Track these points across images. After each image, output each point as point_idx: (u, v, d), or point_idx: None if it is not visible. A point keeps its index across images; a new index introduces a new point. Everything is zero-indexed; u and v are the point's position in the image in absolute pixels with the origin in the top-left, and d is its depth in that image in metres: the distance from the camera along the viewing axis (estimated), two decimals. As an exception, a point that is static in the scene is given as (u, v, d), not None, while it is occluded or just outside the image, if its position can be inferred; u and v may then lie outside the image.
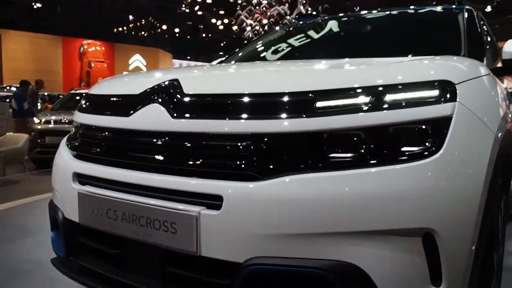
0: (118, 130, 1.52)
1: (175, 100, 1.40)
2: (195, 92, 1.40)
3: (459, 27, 2.26)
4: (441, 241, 1.22)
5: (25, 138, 5.94)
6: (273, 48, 2.84)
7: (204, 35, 26.68)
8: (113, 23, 26.65)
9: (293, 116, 1.24)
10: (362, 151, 1.23)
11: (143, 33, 27.56)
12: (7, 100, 10.50)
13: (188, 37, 27.53)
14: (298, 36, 2.92)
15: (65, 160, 1.67)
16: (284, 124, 1.24)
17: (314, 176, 1.20)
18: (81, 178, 1.58)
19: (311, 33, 2.91)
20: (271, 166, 1.23)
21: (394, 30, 2.60)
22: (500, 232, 1.69)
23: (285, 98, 1.27)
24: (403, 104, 1.27)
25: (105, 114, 1.59)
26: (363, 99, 1.26)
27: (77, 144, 1.69)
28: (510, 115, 1.88)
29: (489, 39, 2.51)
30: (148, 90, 1.49)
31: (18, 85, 9.24)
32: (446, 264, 1.24)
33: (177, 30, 26.33)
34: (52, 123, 6.85)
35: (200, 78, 1.59)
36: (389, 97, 1.27)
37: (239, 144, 1.26)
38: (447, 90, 1.32)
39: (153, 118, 1.42)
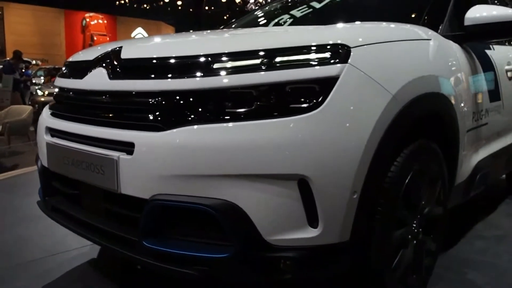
0: (74, 90, 1.81)
1: (113, 64, 1.65)
2: (126, 57, 1.64)
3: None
4: (315, 187, 1.38)
5: (29, 110, 6.29)
6: (265, 19, 3.01)
7: (207, 7, 25.46)
8: (115, -5, 25.65)
9: (192, 76, 1.44)
10: (250, 106, 1.40)
11: (145, 5, 26.65)
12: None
13: (191, 9, 26.19)
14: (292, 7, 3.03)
15: (43, 117, 1.99)
16: (184, 82, 1.44)
17: (206, 126, 1.40)
18: (51, 132, 1.88)
19: (313, 3, 3.01)
20: (173, 119, 1.44)
21: None
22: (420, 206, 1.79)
23: (186, 61, 1.48)
24: (293, 65, 1.43)
25: (69, 77, 1.89)
26: (255, 61, 1.43)
27: (52, 104, 2.01)
28: (449, 82, 1.91)
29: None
30: (99, 56, 1.75)
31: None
32: (321, 208, 1.39)
33: (179, 2, 25.42)
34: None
35: (137, 46, 1.82)
36: (280, 59, 1.43)
37: (149, 100, 1.49)
38: (339, 53, 1.45)
39: (96, 79, 1.68)
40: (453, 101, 1.93)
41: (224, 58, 1.45)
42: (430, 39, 1.92)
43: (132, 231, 1.52)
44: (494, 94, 2.51)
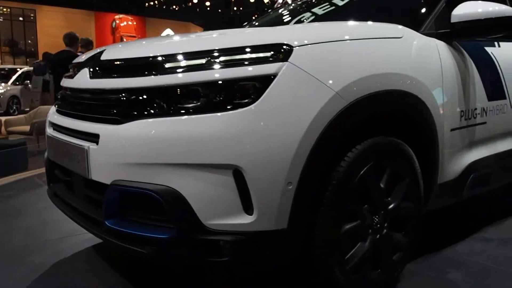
0: (68, 89, 2.05)
1: (94, 65, 1.87)
2: (104, 58, 1.84)
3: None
4: (248, 177, 1.49)
5: None
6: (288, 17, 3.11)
7: (235, 8, 25.42)
8: (145, -4, 25.94)
9: (146, 75, 1.61)
10: (194, 101, 1.54)
11: (174, 7, 26.97)
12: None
13: (220, 10, 26.35)
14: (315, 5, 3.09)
15: (50, 113, 2.26)
16: (138, 80, 1.62)
17: (154, 120, 1.56)
18: (52, 125, 2.14)
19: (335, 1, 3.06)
20: (130, 113, 1.61)
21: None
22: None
23: (143, 61, 1.65)
24: (236, 64, 1.55)
25: (68, 77, 2.13)
26: (201, 60, 1.57)
27: (58, 101, 2.27)
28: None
29: None
30: (88, 58, 1.98)
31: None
32: (255, 196, 1.50)
33: (208, 3, 25.56)
34: None
35: (115, 48, 2.02)
36: (224, 58, 1.56)
37: (113, 96, 1.68)
38: (281, 52, 1.55)
39: (81, 78, 1.91)
40: (424, 99, 1.93)
41: (174, 58, 1.60)
42: (400, 37, 1.94)
43: (100, 213, 1.72)
44: (496, 92, 2.44)
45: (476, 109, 2.29)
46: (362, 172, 1.72)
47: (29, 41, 22.23)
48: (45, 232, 2.75)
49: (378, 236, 1.85)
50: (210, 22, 26.49)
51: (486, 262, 2.25)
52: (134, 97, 1.62)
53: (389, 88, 1.79)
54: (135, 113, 1.61)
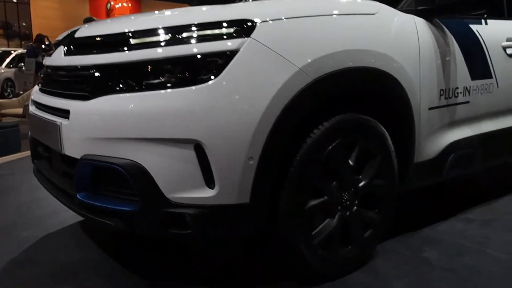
0: (47, 66, 2.09)
1: (69, 42, 1.90)
2: (77, 36, 1.87)
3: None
4: (209, 152, 1.51)
5: None
6: None
7: None
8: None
9: (113, 51, 1.64)
10: (158, 77, 1.56)
11: None
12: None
13: None
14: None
15: (33, 92, 2.30)
16: (105, 57, 1.65)
17: (118, 96, 1.59)
18: (34, 104, 2.19)
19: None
20: (97, 89, 1.65)
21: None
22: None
23: (110, 38, 1.68)
24: (200, 39, 1.57)
25: (49, 55, 2.17)
26: (166, 36, 1.59)
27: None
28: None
29: None
30: (65, 36, 2.01)
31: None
32: (216, 170, 1.53)
33: None
34: None
35: (89, 26, 2.04)
36: (188, 34, 1.58)
37: (82, 73, 1.72)
38: (243, 28, 1.56)
39: (57, 56, 1.94)
40: (398, 78, 1.92)
41: (138, 35, 1.62)
42: (374, 13, 1.92)
43: (73, 187, 1.76)
44: (481, 71, 2.41)
45: (457, 88, 2.27)
46: (329, 149, 1.73)
47: (23, 24, 21.71)
48: (35, 209, 2.83)
49: (348, 213, 1.87)
50: (206, 3, 25.97)
51: (464, 242, 2.25)
52: (101, 73, 1.65)
53: (358, 66, 1.79)
54: (102, 89, 1.64)
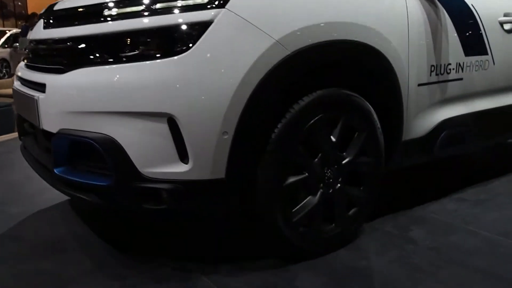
0: (29, 41, 2.06)
1: (48, 15, 1.87)
2: (55, 8, 1.84)
3: None
4: (182, 126, 1.49)
5: None
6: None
7: None
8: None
9: (86, 23, 1.61)
10: (132, 49, 1.53)
11: None
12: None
13: None
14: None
15: (18, 67, 2.28)
16: (78, 29, 1.62)
17: (91, 69, 1.56)
18: (18, 79, 2.17)
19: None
20: (71, 62, 1.62)
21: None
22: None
23: (84, 10, 1.65)
24: (173, 10, 1.52)
25: (31, 29, 2.15)
26: (138, 7, 1.55)
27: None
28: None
29: None
30: (45, 9, 1.98)
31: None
32: (190, 145, 1.50)
33: None
34: None
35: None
36: (161, 5, 1.53)
37: (58, 46, 1.69)
38: None
39: (38, 30, 1.92)
40: (384, 52, 1.86)
41: (111, 7, 1.59)
42: None
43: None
44: (475, 47, 2.34)
45: (450, 64, 2.21)
46: (309, 124, 1.69)
47: (19, 3, 21.50)
48: (27, 186, 2.83)
49: (331, 190, 1.84)
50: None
51: (453, 221, 2.21)
52: (76, 45, 1.63)
53: (341, 39, 1.73)
54: (77, 62, 1.61)
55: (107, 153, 1.53)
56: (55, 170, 1.69)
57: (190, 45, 1.48)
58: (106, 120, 1.54)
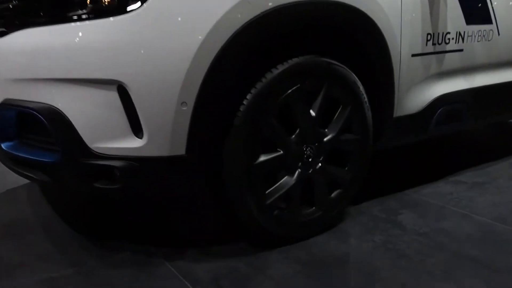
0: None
1: None
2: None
3: None
4: (134, 94, 1.31)
5: None
6: None
7: None
8: None
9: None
10: (73, 7, 1.34)
11: None
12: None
13: None
14: None
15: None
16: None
17: (35, 30, 1.38)
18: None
19: None
20: (14, 22, 1.44)
21: None
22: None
23: None
24: None
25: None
26: None
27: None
28: None
29: None
30: None
31: None
32: (144, 117, 1.33)
33: None
34: None
35: None
36: None
37: (3, 5, 1.50)
38: None
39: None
40: (372, 16, 1.66)
41: None
42: None
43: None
44: (478, 16, 2.12)
45: (449, 33, 2.00)
46: (283, 96, 1.51)
47: None
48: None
49: (310, 170, 1.66)
50: None
51: (446, 205, 2.04)
52: (18, 5, 1.44)
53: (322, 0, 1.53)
54: (17, 23, 1.43)
55: (52, 126, 1.36)
56: (2, 145, 1.52)
57: (142, 2, 1.29)
58: (50, 88, 1.36)
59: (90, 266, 1.56)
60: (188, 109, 1.34)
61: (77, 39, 1.31)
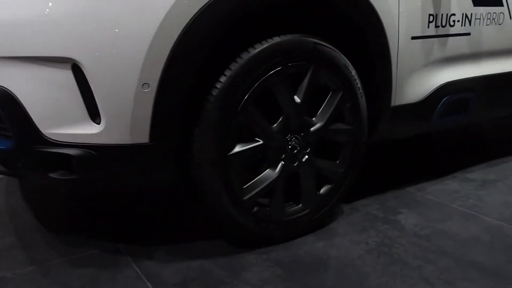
0: None
1: None
2: None
3: None
4: (90, 75, 1.17)
5: None
6: None
7: None
8: None
9: None
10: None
11: None
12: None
13: None
14: None
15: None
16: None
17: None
18: None
19: None
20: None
21: None
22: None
23: None
24: None
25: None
26: None
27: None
28: None
29: None
30: None
31: None
32: (101, 100, 1.19)
33: None
34: None
35: None
36: None
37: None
38: None
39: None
40: (366, -9, 1.50)
41: None
42: None
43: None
44: (486, -4, 1.94)
45: (454, 14, 1.82)
46: (262, 79, 1.35)
47: None
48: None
49: (296, 163, 1.51)
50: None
51: (453, 204, 1.86)
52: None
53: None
54: None
55: (2, 109, 1.23)
56: (-44, 132, 1.40)
57: None
58: (0, 68, 1.23)
59: (50, 264, 1.42)
60: (150, 92, 1.19)
61: (26, 12, 1.18)
